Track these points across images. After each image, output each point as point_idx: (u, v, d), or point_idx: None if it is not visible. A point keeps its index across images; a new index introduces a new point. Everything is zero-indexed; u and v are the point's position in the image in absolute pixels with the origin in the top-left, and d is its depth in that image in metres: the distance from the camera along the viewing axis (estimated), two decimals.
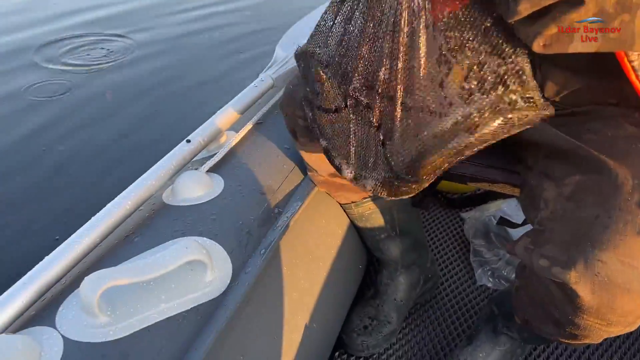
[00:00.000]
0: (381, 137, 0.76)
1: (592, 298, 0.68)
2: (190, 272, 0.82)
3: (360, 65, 0.73)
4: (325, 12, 0.80)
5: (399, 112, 0.72)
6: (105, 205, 0.93)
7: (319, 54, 0.81)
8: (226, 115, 1.23)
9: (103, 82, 2.97)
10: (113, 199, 0.94)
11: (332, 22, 0.78)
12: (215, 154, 1.14)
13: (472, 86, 0.68)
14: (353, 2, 0.74)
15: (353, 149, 0.82)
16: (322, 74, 0.80)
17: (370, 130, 0.77)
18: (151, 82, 2.99)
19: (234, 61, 3.23)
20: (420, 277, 1.27)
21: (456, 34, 0.68)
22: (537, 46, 0.60)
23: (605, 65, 0.73)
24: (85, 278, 0.73)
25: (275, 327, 0.91)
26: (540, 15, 0.58)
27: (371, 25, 0.71)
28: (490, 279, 1.40)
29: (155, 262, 0.77)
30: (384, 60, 0.70)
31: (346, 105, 0.79)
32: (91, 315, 0.73)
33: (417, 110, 0.71)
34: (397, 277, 1.24)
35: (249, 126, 1.26)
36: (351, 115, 0.79)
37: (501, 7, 0.61)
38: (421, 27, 0.67)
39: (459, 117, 0.69)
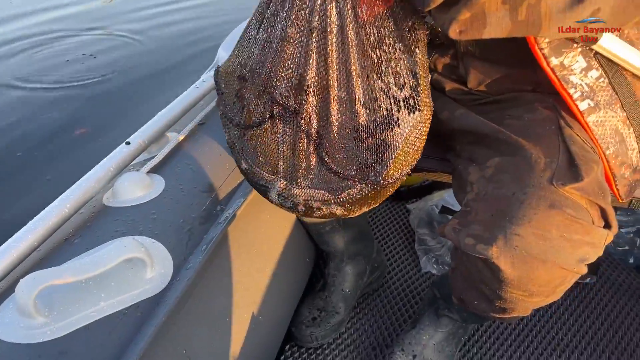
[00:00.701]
0: (314, 139, 0.77)
1: (513, 271, 0.72)
2: (130, 270, 0.83)
3: (285, 68, 0.75)
4: (248, 24, 0.81)
5: (334, 106, 0.74)
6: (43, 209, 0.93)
7: (239, 69, 0.82)
8: (167, 116, 1.24)
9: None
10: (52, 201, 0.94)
11: (255, 31, 0.79)
12: (156, 155, 1.14)
13: (390, 80, 0.72)
14: (277, 6, 0.75)
15: (282, 162, 0.82)
16: (242, 89, 0.81)
17: (300, 135, 0.78)
18: (92, 81, 2.96)
19: (177, 61, 3.20)
20: (367, 267, 1.31)
21: (376, 31, 0.72)
22: (454, 32, 0.64)
23: (521, 55, 0.78)
24: (21, 280, 0.73)
25: (220, 321, 0.93)
26: (454, 2, 0.61)
27: (296, 25, 0.72)
28: (435, 266, 1.45)
29: (93, 261, 0.77)
30: (313, 57, 0.72)
31: (271, 116, 0.79)
32: (28, 317, 0.73)
33: (352, 103, 0.73)
34: (344, 268, 1.27)
35: (190, 127, 1.27)
36: (278, 125, 0.79)
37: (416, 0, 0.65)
38: (348, 22, 0.71)
39: (385, 112, 0.73)
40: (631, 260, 1.46)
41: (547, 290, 0.77)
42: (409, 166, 0.76)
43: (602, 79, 0.75)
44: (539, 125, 0.79)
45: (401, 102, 0.72)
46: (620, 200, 0.85)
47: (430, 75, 0.73)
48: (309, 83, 0.73)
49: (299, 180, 0.81)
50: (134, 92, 2.84)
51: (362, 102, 0.73)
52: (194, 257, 0.90)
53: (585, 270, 0.73)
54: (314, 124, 0.76)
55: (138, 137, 1.13)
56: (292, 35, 0.72)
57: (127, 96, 2.80)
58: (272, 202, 0.86)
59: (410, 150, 0.74)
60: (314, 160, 0.79)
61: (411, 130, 0.73)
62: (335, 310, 1.26)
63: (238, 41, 0.84)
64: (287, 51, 0.73)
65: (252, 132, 0.82)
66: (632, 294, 1.39)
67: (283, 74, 0.75)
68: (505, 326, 1.29)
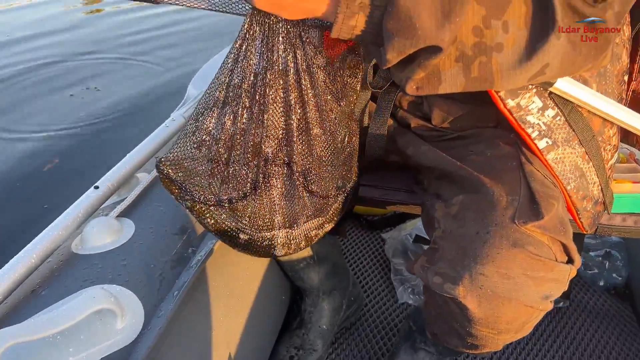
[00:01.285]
0: (304, 180, 0.82)
1: (480, 310, 0.73)
2: (100, 322, 0.81)
3: (271, 128, 0.76)
4: (211, 102, 0.79)
5: (316, 143, 0.79)
6: (9, 260, 0.90)
7: (205, 151, 0.80)
8: (137, 157, 1.23)
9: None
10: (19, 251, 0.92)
11: (222, 94, 0.77)
12: (125, 198, 1.13)
13: (343, 103, 0.81)
14: (248, 58, 0.74)
15: (279, 215, 0.84)
16: (217, 167, 0.81)
17: (294, 181, 0.81)
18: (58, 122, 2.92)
19: (146, 101, 3.18)
20: (343, 302, 1.30)
21: (341, 74, 0.78)
22: (411, 89, 0.66)
23: (482, 94, 0.80)
24: None
25: None
26: (409, 62, 0.63)
27: (273, 84, 0.74)
28: (411, 296, 1.46)
29: (60, 315, 0.75)
30: (295, 108, 0.76)
31: (265, 176, 0.80)
32: None
33: (331, 135, 0.80)
34: (320, 304, 1.26)
35: None
36: (273, 182, 0.81)
37: (376, 56, 0.67)
38: (315, 68, 0.75)
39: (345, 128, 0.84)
40: (601, 283, 1.49)
41: (514, 327, 0.78)
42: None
43: (558, 117, 0.78)
44: (501, 161, 0.81)
45: (352, 117, 0.84)
46: (585, 232, 0.87)
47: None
48: (295, 131, 0.77)
49: (298, 222, 0.85)
50: (102, 139, 2.80)
51: (331, 131, 0.81)
52: (166, 303, 0.89)
53: (550, 306, 0.74)
54: (302, 165, 0.80)
55: (107, 181, 1.12)
56: (272, 96, 0.75)
57: (94, 143, 2.77)
58: (278, 256, 0.89)
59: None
60: (305, 197, 0.84)
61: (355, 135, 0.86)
62: (313, 348, 1.25)
63: (194, 118, 0.80)
64: (270, 111, 0.75)
65: (246, 201, 0.82)
66: (604, 316, 1.41)
67: (270, 133, 0.77)
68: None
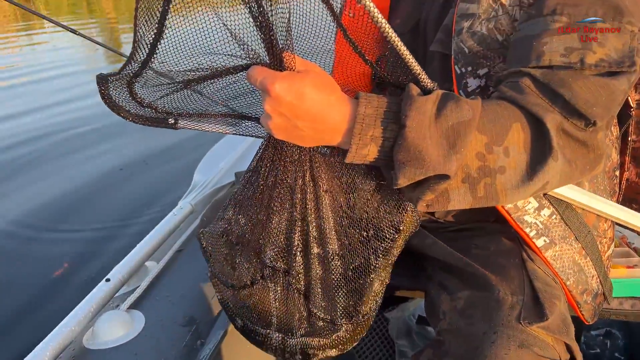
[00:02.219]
0: (302, 295, 0.83)
1: None
2: None
3: (272, 235, 0.81)
4: (239, 185, 0.87)
5: (315, 264, 0.80)
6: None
7: (226, 236, 0.88)
8: (146, 247, 1.27)
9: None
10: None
11: (240, 196, 0.85)
12: (136, 288, 1.16)
13: (370, 233, 0.79)
14: (262, 175, 0.81)
15: (275, 317, 0.87)
16: (232, 252, 0.87)
17: (291, 292, 0.84)
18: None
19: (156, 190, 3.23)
20: None
21: (351, 196, 0.80)
22: (421, 207, 0.70)
23: None
24: None
25: None
26: (419, 183, 0.67)
27: (279, 199, 0.79)
28: None
29: None
30: (297, 224, 0.79)
31: (262, 276, 0.84)
32: None
33: (330, 258, 0.80)
34: None
35: (169, 255, 1.30)
36: (269, 284, 0.84)
37: (388, 176, 0.72)
38: (321, 191, 0.78)
39: (363, 260, 0.80)
40: None
41: None
42: (381, 294, 0.83)
43: (554, 216, 0.83)
44: (504, 257, 0.85)
45: (379, 252, 0.79)
46: (587, 323, 0.90)
47: (415, 227, 0.81)
48: (296, 245, 0.80)
49: (294, 331, 0.85)
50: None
51: (340, 255, 0.80)
52: None
53: None
54: (302, 281, 0.82)
55: (118, 273, 1.16)
56: (277, 208, 0.80)
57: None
58: (269, 353, 0.90)
59: (382, 286, 0.82)
60: (304, 312, 0.84)
61: (384, 271, 0.79)
62: None
63: (223, 210, 0.89)
64: (273, 221, 0.80)
65: (245, 291, 0.86)
66: None
67: (271, 240, 0.81)
68: None
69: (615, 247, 1.19)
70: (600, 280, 0.88)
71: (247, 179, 0.83)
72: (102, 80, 0.76)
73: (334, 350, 0.87)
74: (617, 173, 0.94)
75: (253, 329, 0.90)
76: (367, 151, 0.66)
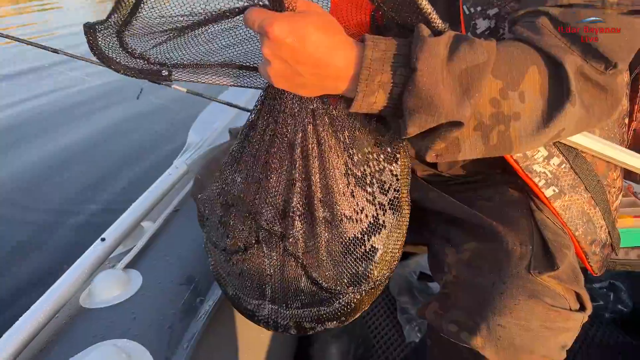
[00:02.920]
0: (300, 263, 0.78)
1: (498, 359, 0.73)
2: None
3: (270, 196, 0.76)
4: (236, 142, 0.81)
5: (321, 228, 0.75)
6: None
7: (222, 197, 0.83)
8: (142, 207, 1.24)
9: None
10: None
11: (235, 161, 0.80)
12: (132, 248, 1.14)
13: (375, 189, 0.75)
14: (256, 135, 0.77)
15: (269, 286, 0.82)
16: (226, 215, 0.82)
17: (288, 259, 0.79)
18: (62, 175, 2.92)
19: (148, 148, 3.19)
20: (351, 345, 1.29)
21: (357, 151, 0.75)
22: (430, 157, 0.67)
23: None
24: None
25: None
26: (428, 133, 0.64)
27: (278, 156, 0.75)
28: (418, 334, 1.45)
29: None
30: (297, 184, 0.74)
31: (258, 241, 0.80)
32: None
33: (339, 221, 0.74)
34: (328, 348, 1.26)
35: (165, 215, 1.27)
36: (264, 250, 0.80)
37: (395, 127, 0.68)
38: (327, 147, 0.73)
39: (372, 219, 0.75)
40: (607, 315, 1.49)
41: None
42: (396, 262, 0.78)
43: (563, 165, 0.79)
44: (511, 208, 0.82)
45: (386, 205, 0.75)
46: (595, 274, 0.88)
47: (409, 172, 0.77)
48: (294, 208, 0.75)
49: (288, 302, 0.81)
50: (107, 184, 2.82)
51: (348, 217, 0.75)
52: (177, 357, 0.89)
53: (564, 355, 0.74)
54: (302, 247, 0.77)
55: (113, 233, 1.13)
56: (275, 166, 0.75)
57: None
58: (261, 325, 0.86)
59: (396, 248, 0.77)
60: (303, 281, 0.79)
61: (395, 230, 0.76)
62: None
63: (220, 171, 0.84)
64: (272, 180, 0.75)
65: (238, 257, 0.82)
66: (612, 348, 1.40)
67: (268, 201, 0.76)
68: None
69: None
70: (608, 231, 0.86)
71: (245, 134, 0.79)
72: (90, 30, 0.70)
73: (334, 322, 0.81)
74: (627, 121, 0.91)
75: (244, 300, 0.86)
76: (374, 99, 0.63)
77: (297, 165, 0.73)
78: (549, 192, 0.79)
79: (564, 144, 0.78)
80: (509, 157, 0.77)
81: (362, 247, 0.75)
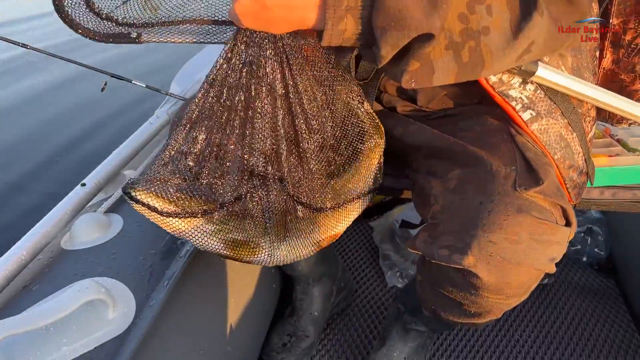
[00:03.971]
0: (293, 197, 0.82)
1: (490, 276, 0.74)
2: (92, 313, 0.82)
3: (258, 141, 0.77)
4: (191, 103, 0.79)
5: (311, 156, 0.80)
6: None
7: (184, 156, 0.80)
8: (122, 154, 1.25)
9: None
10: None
11: (199, 112, 0.78)
12: (112, 194, 1.14)
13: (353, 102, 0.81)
14: (232, 78, 0.75)
15: (270, 222, 0.84)
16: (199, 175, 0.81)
17: (280, 194, 0.82)
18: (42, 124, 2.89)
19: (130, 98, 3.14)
20: (333, 288, 1.32)
21: (326, 88, 0.79)
22: (406, 82, 0.68)
23: None
24: None
25: (189, 356, 0.93)
26: (402, 55, 0.65)
27: (259, 97, 0.75)
28: (400, 280, 1.48)
29: (52, 307, 0.77)
30: (283, 122, 0.76)
31: (251, 188, 0.81)
32: None
33: (317, 150, 0.80)
34: (310, 291, 1.28)
35: (147, 163, 1.27)
36: (261, 192, 0.81)
37: (368, 57, 0.68)
38: (305, 81, 0.75)
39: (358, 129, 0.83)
40: (584, 259, 1.53)
41: (521, 291, 0.80)
42: (380, 166, 0.87)
43: (538, 91, 0.80)
44: (492, 135, 0.84)
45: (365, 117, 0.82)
46: (571, 202, 0.89)
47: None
48: (282, 147, 0.78)
49: (289, 238, 0.85)
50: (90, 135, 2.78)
51: (323, 139, 0.80)
52: (157, 293, 0.90)
53: (554, 269, 0.76)
54: (294, 180, 0.81)
55: (93, 178, 1.13)
56: (260, 110, 0.76)
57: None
58: (256, 264, 0.89)
59: (379, 154, 0.85)
60: (298, 210, 0.83)
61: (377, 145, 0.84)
62: (305, 334, 1.26)
63: (172, 135, 0.81)
64: (256, 125, 0.76)
65: (224, 211, 0.82)
66: (588, 290, 1.44)
67: (257, 146, 0.77)
68: (471, 332, 1.32)
69: (598, 138, 1.18)
70: (585, 158, 0.88)
71: (206, 90, 0.77)
72: None
73: (326, 240, 0.89)
74: (597, 54, 0.91)
75: (243, 249, 0.87)
76: (344, 26, 0.63)
77: (280, 103, 0.75)
78: (526, 116, 0.81)
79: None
80: (486, 84, 0.78)
81: (348, 166, 0.83)
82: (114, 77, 1.42)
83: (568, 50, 0.81)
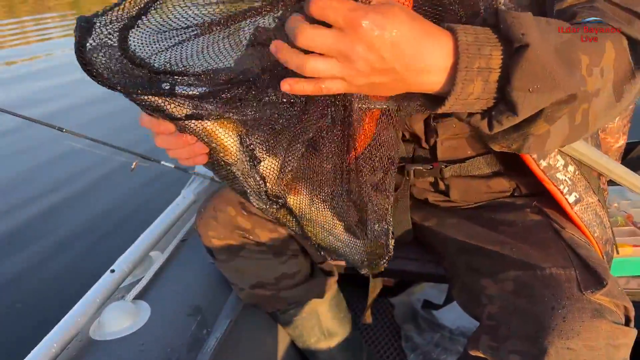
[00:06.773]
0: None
1: None
2: None
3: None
4: None
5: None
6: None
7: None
8: (150, 237, 1.27)
9: None
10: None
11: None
12: (141, 278, 1.16)
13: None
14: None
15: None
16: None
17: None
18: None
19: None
20: None
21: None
22: (526, 148, 0.63)
23: (497, 166, 0.88)
24: None
25: None
26: (524, 121, 0.58)
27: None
28: None
29: None
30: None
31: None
32: None
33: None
34: None
35: (174, 245, 1.30)
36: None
37: (474, 122, 0.61)
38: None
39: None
40: None
41: None
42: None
43: (577, 172, 0.83)
44: (537, 232, 0.83)
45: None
46: None
47: None
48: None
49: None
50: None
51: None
52: None
53: None
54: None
55: (122, 263, 1.16)
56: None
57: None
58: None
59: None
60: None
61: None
62: None
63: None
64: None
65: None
66: None
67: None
68: None
69: (621, 226, 1.18)
70: (612, 230, 0.89)
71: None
72: (84, 25, 0.52)
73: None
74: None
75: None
76: (472, 88, 0.55)
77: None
78: (571, 199, 0.82)
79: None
80: (536, 168, 0.80)
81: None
82: (143, 157, 1.47)
83: None
